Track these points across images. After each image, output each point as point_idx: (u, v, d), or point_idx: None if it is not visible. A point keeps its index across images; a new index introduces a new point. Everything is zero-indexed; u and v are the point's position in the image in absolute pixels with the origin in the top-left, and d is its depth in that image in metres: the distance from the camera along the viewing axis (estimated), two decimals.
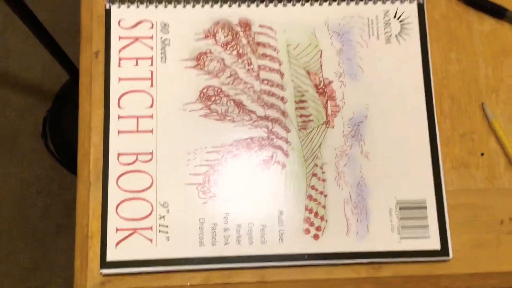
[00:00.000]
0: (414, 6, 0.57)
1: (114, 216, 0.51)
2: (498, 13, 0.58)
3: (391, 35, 0.56)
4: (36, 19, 0.82)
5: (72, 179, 1.18)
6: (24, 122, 1.22)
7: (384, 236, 0.51)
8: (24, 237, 1.16)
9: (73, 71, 1.03)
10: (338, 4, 0.57)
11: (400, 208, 0.52)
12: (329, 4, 0.57)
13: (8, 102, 1.23)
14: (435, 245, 0.51)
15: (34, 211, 1.17)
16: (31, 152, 1.20)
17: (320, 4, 0.57)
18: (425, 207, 0.52)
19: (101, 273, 0.50)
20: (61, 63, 0.97)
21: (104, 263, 0.50)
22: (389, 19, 0.57)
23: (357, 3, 0.57)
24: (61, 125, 1.17)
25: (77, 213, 0.52)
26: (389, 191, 0.52)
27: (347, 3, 0.57)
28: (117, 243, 0.50)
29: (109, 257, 0.50)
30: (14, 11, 0.77)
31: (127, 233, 0.51)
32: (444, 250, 0.51)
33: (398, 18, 0.57)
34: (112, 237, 0.50)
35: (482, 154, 0.55)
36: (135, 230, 0.51)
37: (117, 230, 0.51)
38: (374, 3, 0.57)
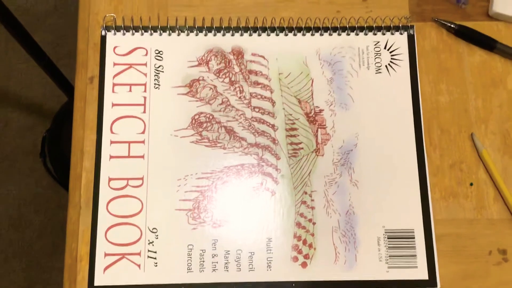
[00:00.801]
0: (404, 38, 0.58)
1: (103, 241, 0.51)
2: (488, 45, 0.59)
3: (381, 65, 0.57)
4: (35, 43, 0.84)
5: None
6: (24, 141, 1.23)
7: (372, 265, 0.52)
8: (19, 256, 1.16)
9: (71, 93, 1.04)
10: (330, 34, 0.58)
11: (388, 237, 0.52)
12: (321, 34, 0.58)
13: (9, 122, 1.24)
14: (423, 275, 0.52)
15: (30, 230, 1.18)
16: (29, 171, 1.21)
17: (312, 35, 0.58)
18: (413, 237, 0.52)
19: None
20: (59, 85, 0.98)
21: None
22: (380, 50, 0.58)
23: (348, 34, 0.58)
24: (60, 145, 1.18)
25: (67, 237, 0.53)
26: (377, 220, 0.53)
27: (339, 34, 0.58)
28: (105, 268, 0.51)
29: (97, 282, 0.50)
30: (12, 34, 0.78)
31: (115, 258, 0.51)
32: (432, 281, 0.51)
33: (388, 49, 0.58)
34: (100, 262, 0.51)
35: (471, 184, 0.55)
36: (123, 255, 0.51)
37: (105, 255, 0.51)
38: (365, 34, 0.58)
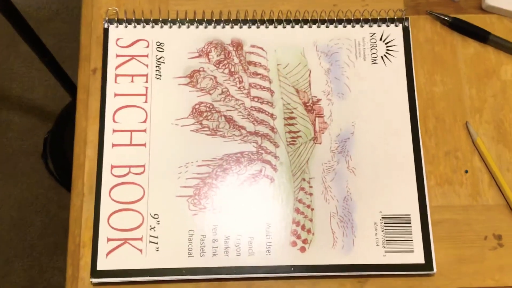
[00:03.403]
0: (399, 30, 0.60)
1: (106, 227, 0.52)
2: (482, 37, 0.61)
3: (377, 56, 0.59)
4: (39, 39, 0.86)
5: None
6: (25, 142, 1.24)
7: (369, 250, 0.52)
8: (21, 256, 1.17)
9: (75, 93, 1.06)
10: (327, 27, 0.59)
11: (385, 223, 0.53)
12: (318, 27, 0.59)
13: (11, 123, 1.26)
14: (419, 259, 0.52)
15: (32, 230, 1.18)
16: (31, 172, 1.22)
17: (310, 27, 0.59)
18: (409, 222, 0.53)
19: (91, 282, 0.51)
20: (63, 84, 1.00)
21: (94, 272, 0.51)
22: (375, 42, 0.59)
23: (344, 26, 0.59)
24: (61, 146, 1.19)
25: (70, 223, 0.54)
26: (374, 206, 0.54)
27: (335, 26, 0.59)
28: (108, 253, 0.51)
29: (100, 266, 0.51)
30: (21, 36, 0.80)
31: (118, 243, 0.52)
32: (428, 265, 0.52)
33: (384, 41, 0.59)
34: (103, 247, 0.52)
35: (466, 172, 0.57)
36: (125, 241, 0.52)
37: (108, 240, 0.52)
38: (361, 26, 0.59)
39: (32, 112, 1.26)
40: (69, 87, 1.03)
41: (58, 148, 1.20)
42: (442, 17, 0.61)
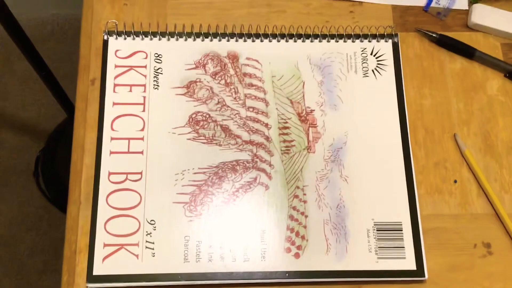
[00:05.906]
0: (389, 45, 0.62)
1: (102, 232, 0.53)
2: (468, 53, 0.63)
3: (368, 70, 0.61)
4: (40, 57, 0.87)
5: (62, 217, 1.19)
6: (17, 160, 1.24)
7: (362, 256, 0.53)
8: (10, 274, 1.15)
9: (70, 110, 1.07)
10: (319, 41, 0.61)
11: (378, 230, 0.55)
12: (311, 41, 0.61)
13: (3, 141, 1.26)
14: (411, 265, 0.53)
15: (21, 248, 1.17)
16: (22, 190, 1.22)
17: (303, 41, 0.61)
18: (401, 229, 0.55)
19: (87, 287, 0.51)
20: (59, 100, 1.01)
21: (90, 277, 0.51)
22: (366, 56, 0.61)
23: (336, 41, 0.62)
24: (53, 165, 1.19)
25: (66, 231, 0.54)
26: (367, 213, 0.55)
27: (328, 41, 0.61)
28: (104, 258, 0.52)
29: (96, 272, 0.51)
30: (20, 49, 0.82)
31: (114, 248, 0.52)
32: (419, 271, 0.53)
33: (374, 55, 0.61)
34: (99, 252, 0.52)
35: (455, 182, 0.58)
36: (122, 246, 0.52)
37: (104, 245, 0.52)
38: (353, 41, 0.62)
39: (25, 130, 1.27)
40: (64, 104, 1.04)
41: (49, 166, 1.20)
42: (430, 34, 0.63)
